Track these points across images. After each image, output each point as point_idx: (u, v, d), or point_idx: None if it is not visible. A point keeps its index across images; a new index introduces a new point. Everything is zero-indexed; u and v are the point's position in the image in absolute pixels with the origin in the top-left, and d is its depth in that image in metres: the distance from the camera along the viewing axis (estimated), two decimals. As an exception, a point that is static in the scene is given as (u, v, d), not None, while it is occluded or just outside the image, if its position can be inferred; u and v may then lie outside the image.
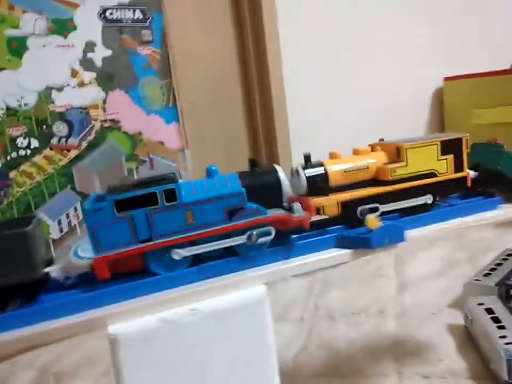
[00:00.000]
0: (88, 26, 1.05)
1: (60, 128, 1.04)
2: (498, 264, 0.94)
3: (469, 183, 0.58)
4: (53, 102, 1.03)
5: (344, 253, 0.48)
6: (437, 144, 0.56)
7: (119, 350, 0.38)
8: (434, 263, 1.14)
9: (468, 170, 0.59)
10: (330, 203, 0.51)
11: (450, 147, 0.57)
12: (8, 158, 1.00)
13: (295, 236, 0.49)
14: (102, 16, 1.08)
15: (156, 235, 0.43)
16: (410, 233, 0.51)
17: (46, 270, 0.43)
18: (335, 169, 0.53)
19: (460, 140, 0.58)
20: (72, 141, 1.06)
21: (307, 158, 0.54)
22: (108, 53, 1.09)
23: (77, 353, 0.92)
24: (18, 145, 1.00)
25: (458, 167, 0.57)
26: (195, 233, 0.43)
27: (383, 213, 0.53)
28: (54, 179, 1.04)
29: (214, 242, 0.45)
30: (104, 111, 1.08)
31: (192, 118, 1.21)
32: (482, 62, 1.55)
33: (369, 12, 1.52)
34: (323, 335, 0.88)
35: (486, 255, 1.06)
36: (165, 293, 0.42)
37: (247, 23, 1.30)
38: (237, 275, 0.45)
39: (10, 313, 0.40)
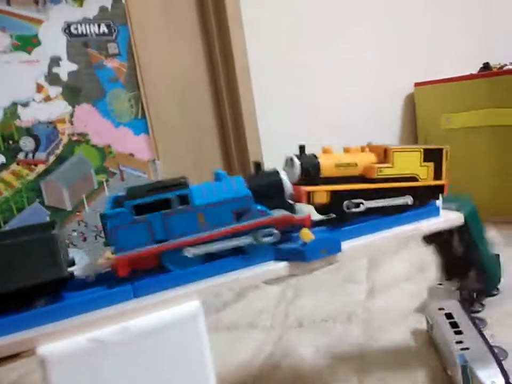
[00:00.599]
0: (52, 41, 1.06)
1: (27, 143, 1.04)
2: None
3: (445, 192, 0.62)
4: (19, 118, 1.03)
5: (280, 267, 0.49)
6: (420, 151, 0.61)
7: (47, 370, 0.39)
8: (406, 267, 1.15)
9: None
10: (321, 190, 0.55)
11: (432, 155, 0.61)
12: (-25, 174, 1.00)
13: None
14: (67, 31, 1.09)
15: (171, 236, 0.47)
16: (350, 243, 0.52)
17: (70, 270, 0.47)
18: (327, 161, 0.57)
19: (441, 150, 0.62)
20: (40, 155, 1.06)
21: (302, 148, 0.57)
22: (74, 67, 1.09)
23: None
24: (-15, 161, 1.01)
25: (438, 175, 0.61)
26: (206, 234, 0.48)
27: (367, 210, 0.56)
28: (22, 194, 1.04)
29: (223, 241, 0.49)
30: (72, 124, 1.09)
31: (161, 128, 1.22)
32: (452, 67, 1.57)
33: (339, 21, 1.53)
34: (290, 342, 0.89)
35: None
36: (97, 313, 0.43)
37: (214, 32, 1.31)
38: (169, 292, 0.45)
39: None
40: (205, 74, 1.34)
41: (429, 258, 1.18)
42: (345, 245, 0.52)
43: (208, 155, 1.30)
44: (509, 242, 1.17)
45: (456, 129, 1.47)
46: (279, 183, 0.53)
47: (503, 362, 0.64)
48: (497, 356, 0.65)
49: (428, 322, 0.83)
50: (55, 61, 1.07)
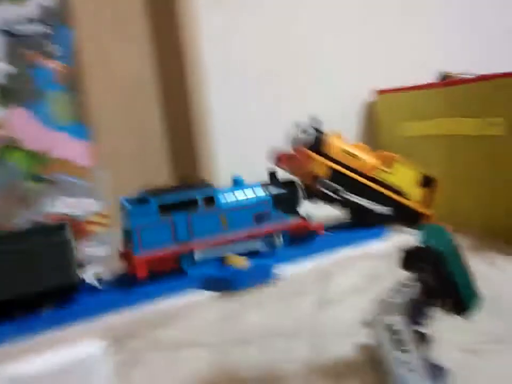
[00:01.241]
0: (-12, 41, 0.99)
1: (-47, 149, 0.97)
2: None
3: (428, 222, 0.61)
4: None
5: (207, 296, 0.45)
6: (420, 172, 0.63)
7: None
8: (359, 278, 1.12)
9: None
10: (325, 163, 0.58)
11: (428, 183, 0.63)
12: None
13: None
14: (4, 31, 1.02)
15: (192, 237, 0.45)
16: (288, 269, 0.49)
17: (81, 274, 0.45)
18: (336, 142, 0.61)
19: (436, 180, 0.63)
20: (-33, 161, 0.98)
21: (314, 120, 0.61)
22: (9, 68, 1.03)
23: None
24: None
25: (427, 204, 0.62)
26: (229, 235, 0.49)
27: (347, 202, 0.55)
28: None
29: (241, 246, 0.51)
30: (4, 128, 1.02)
31: (104, 135, 1.16)
32: (413, 75, 1.56)
33: (299, 28, 1.51)
34: (233, 361, 0.84)
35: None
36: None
37: (164, 34, 1.26)
38: (67, 331, 0.40)
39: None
40: (154, 79, 1.28)
41: (381, 270, 1.16)
42: (286, 268, 0.49)
43: (155, 163, 1.25)
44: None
45: (414, 138, 1.47)
46: (296, 192, 0.55)
47: (444, 380, 0.61)
48: (440, 375, 0.62)
49: (375, 337, 0.79)
50: (-12, 61, 1.00)
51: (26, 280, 0.41)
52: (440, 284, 0.62)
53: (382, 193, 0.58)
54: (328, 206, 0.59)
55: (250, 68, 1.42)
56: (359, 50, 1.64)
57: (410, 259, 0.63)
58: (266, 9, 1.45)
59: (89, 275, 0.46)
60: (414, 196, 0.61)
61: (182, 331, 0.97)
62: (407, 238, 0.60)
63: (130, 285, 0.44)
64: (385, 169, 0.59)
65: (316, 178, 0.56)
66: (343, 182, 0.56)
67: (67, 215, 0.99)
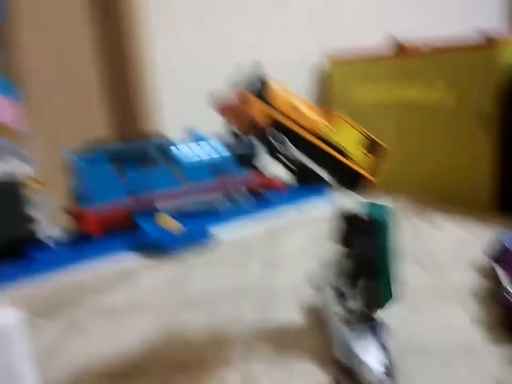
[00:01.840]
0: None
1: None
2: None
3: (371, 191, 0.59)
4: None
5: (123, 259, 0.42)
6: (365, 134, 0.60)
7: None
8: (304, 241, 1.13)
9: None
10: (264, 109, 0.53)
11: (374, 148, 0.60)
12: None
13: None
14: None
15: (146, 191, 0.41)
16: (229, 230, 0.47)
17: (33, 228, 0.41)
18: (281, 92, 0.56)
19: (384, 148, 0.61)
20: None
21: (259, 66, 0.56)
22: None
23: None
24: None
25: (372, 171, 0.60)
26: (184, 190, 0.42)
27: (291, 159, 0.52)
28: None
29: (202, 200, 0.43)
30: None
31: (37, 95, 1.08)
32: (366, 39, 1.55)
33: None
34: (176, 326, 0.83)
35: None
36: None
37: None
38: None
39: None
40: (90, 32, 1.20)
41: (324, 232, 1.18)
42: (227, 229, 0.47)
43: (94, 120, 1.18)
44: (404, 214, 1.19)
45: (366, 106, 1.47)
46: (254, 147, 0.53)
47: (383, 337, 0.63)
48: (381, 335, 0.63)
49: (319, 297, 0.80)
50: None
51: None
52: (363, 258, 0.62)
53: (326, 152, 0.57)
54: (269, 161, 0.57)
55: (198, 27, 1.36)
56: (309, 11, 1.60)
57: (349, 227, 0.63)
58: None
59: (40, 232, 0.43)
60: (358, 158, 0.59)
61: (124, 297, 0.94)
62: (348, 200, 0.60)
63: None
64: (330, 127, 0.57)
65: (257, 128, 0.53)
66: (286, 136, 0.54)
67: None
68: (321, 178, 0.58)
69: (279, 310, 0.84)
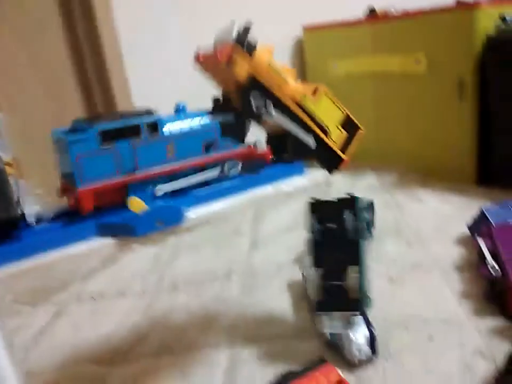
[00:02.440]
0: None
1: None
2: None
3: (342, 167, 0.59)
4: None
5: (106, 243, 0.41)
6: (344, 113, 0.58)
7: None
8: (290, 218, 1.13)
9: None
10: (247, 63, 0.51)
11: (350, 126, 0.58)
12: None
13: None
14: None
15: (138, 167, 0.39)
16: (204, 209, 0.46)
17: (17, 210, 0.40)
18: (264, 53, 0.54)
19: (358, 127, 0.60)
20: None
21: (249, 24, 0.54)
22: None
23: None
24: None
25: (344, 148, 0.58)
26: (176, 165, 0.49)
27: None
28: None
29: (193, 176, 0.48)
30: None
31: (5, 75, 1.03)
32: (340, 11, 1.52)
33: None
34: (161, 309, 0.82)
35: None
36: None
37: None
38: None
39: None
40: (61, 17, 1.15)
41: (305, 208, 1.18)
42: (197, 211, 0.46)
43: (69, 105, 1.14)
44: (386, 189, 1.19)
45: (342, 76, 1.45)
46: (243, 119, 0.51)
47: (367, 312, 0.63)
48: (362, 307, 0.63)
49: (302, 274, 0.80)
50: None
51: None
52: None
53: (305, 123, 0.55)
54: (248, 126, 0.55)
55: (166, 9, 1.31)
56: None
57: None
58: None
59: (27, 212, 0.42)
60: (334, 135, 0.58)
61: (108, 282, 0.93)
62: (326, 176, 0.59)
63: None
64: (310, 97, 0.55)
65: (238, 87, 0.51)
66: (269, 100, 0.52)
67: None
68: (303, 151, 0.56)
69: (263, 288, 0.84)
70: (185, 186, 0.46)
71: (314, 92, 0.56)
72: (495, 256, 0.70)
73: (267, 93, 0.51)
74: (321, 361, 0.51)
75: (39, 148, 0.90)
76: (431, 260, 0.82)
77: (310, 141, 0.55)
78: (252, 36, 0.53)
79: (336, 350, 0.61)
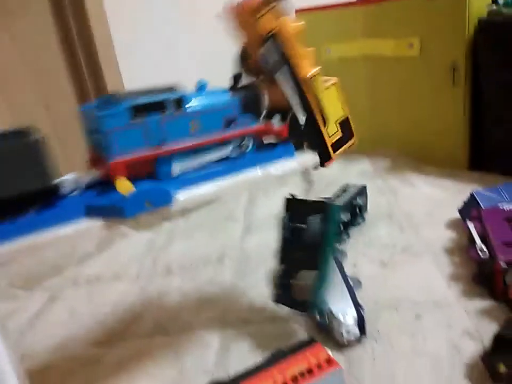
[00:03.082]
0: None
1: None
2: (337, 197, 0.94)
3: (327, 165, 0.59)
4: None
5: (94, 225, 0.42)
6: (345, 115, 0.59)
7: None
8: (282, 202, 1.13)
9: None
10: (271, 20, 0.51)
11: (345, 128, 0.59)
12: None
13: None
14: None
15: (164, 142, 0.46)
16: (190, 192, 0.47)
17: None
18: (293, 23, 0.52)
19: (353, 135, 0.60)
20: None
21: None
22: None
23: None
24: None
25: (336, 148, 0.58)
26: (199, 140, 0.48)
27: None
28: None
29: (211, 152, 0.50)
30: None
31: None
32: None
33: None
34: (156, 292, 0.83)
35: (326, 190, 1.05)
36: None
37: None
38: None
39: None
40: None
41: (306, 193, 1.18)
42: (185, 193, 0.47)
43: (58, 91, 1.13)
44: (379, 174, 1.19)
45: (335, 60, 1.44)
46: (259, 96, 0.53)
47: (357, 293, 0.64)
48: (352, 288, 0.64)
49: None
50: None
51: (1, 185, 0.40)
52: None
53: (308, 102, 0.54)
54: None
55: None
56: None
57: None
58: None
59: (64, 180, 0.44)
60: (331, 130, 0.57)
61: (103, 265, 0.94)
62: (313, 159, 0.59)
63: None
64: (323, 82, 0.55)
65: (259, 41, 0.50)
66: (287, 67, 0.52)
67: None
68: (299, 130, 0.56)
69: (255, 272, 0.84)
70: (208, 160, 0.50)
71: (327, 80, 0.56)
72: (484, 240, 0.71)
73: (284, 55, 0.51)
74: (310, 342, 0.52)
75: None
76: (422, 243, 0.83)
77: (303, 119, 0.54)
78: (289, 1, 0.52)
79: (325, 331, 0.62)
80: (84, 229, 0.43)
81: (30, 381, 0.44)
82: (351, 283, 0.65)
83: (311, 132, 0.56)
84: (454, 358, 0.56)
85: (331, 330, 0.60)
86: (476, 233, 0.74)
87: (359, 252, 0.84)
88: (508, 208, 0.78)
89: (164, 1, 1.31)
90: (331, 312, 0.60)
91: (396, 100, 1.32)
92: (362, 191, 0.94)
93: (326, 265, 0.58)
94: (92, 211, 0.42)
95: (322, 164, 0.59)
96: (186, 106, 0.45)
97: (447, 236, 0.84)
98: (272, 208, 1.14)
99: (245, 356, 0.61)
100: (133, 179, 0.43)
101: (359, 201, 0.93)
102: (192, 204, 0.47)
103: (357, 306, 0.61)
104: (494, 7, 1.08)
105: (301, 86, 0.53)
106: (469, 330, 0.60)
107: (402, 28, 1.24)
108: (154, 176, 0.45)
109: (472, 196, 0.86)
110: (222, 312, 0.73)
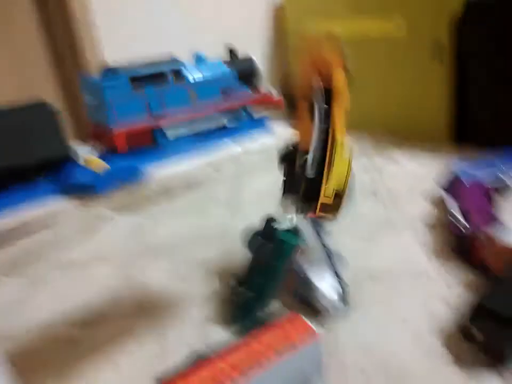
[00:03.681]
0: None
1: None
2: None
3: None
4: None
5: (71, 205, 0.42)
6: (343, 189, 0.57)
7: None
8: (271, 182, 1.13)
9: None
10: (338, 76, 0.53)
11: (336, 201, 0.56)
12: None
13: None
14: None
15: (165, 111, 0.39)
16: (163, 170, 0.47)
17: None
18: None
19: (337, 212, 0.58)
20: None
21: None
22: None
23: None
24: None
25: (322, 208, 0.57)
26: (199, 111, 0.51)
27: None
28: None
29: (209, 121, 0.52)
30: None
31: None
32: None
33: None
34: (139, 275, 0.83)
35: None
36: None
37: None
38: None
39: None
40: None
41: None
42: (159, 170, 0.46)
43: (34, 68, 1.10)
44: (363, 151, 1.20)
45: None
46: (255, 68, 0.57)
47: (340, 267, 0.65)
48: (335, 263, 0.65)
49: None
50: None
51: (19, 152, 0.44)
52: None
53: (325, 153, 0.54)
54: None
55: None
56: None
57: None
58: None
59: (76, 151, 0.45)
60: (327, 192, 0.56)
61: (88, 248, 0.94)
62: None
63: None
64: (344, 148, 0.54)
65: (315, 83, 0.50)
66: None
67: None
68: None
69: (242, 253, 0.84)
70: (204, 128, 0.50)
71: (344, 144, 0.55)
72: (464, 214, 0.72)
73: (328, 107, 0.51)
74: (291, 314, 0.52)
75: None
76: (404, 219, 0.84)
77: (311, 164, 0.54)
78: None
79: (307, 304, 0.62)
80: (61, 210, 0.43)
81: (12, 364, 0.44)
82: (334, 258, 0.66)
83: (312, 181, 0.55)
84: (432, 327, 0.57)
85: (313, 303, 0.61)
86: (456, 207, 0.74)
87: (342, 228, 0.84)
88: (487, 183, 0.78)
89: None
90: (314, 284, 0.61)
91: (381, 77, 1.32)
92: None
93: (265, 283, 0.60)
94: (65, 190, 0.42)
95: (302, 212, 0.60)
96: (186, 77, 0.44)
97: (428, 211, 0.85)
98: (256, 187, 1.15)
99: (227, 330, 0.62)
100: (136, 146, 0.43)
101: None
102: (173, 183, 0.47)
103: (340, 279, 0.61)
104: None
105: (327, 140, 0.53)
106: (448, 300, 0.61)
107: (387, 5, 1.23)
108: (153, 144, 0.45)
109: (454, 171, 0.86)
110: (205, 293, 0.73)
